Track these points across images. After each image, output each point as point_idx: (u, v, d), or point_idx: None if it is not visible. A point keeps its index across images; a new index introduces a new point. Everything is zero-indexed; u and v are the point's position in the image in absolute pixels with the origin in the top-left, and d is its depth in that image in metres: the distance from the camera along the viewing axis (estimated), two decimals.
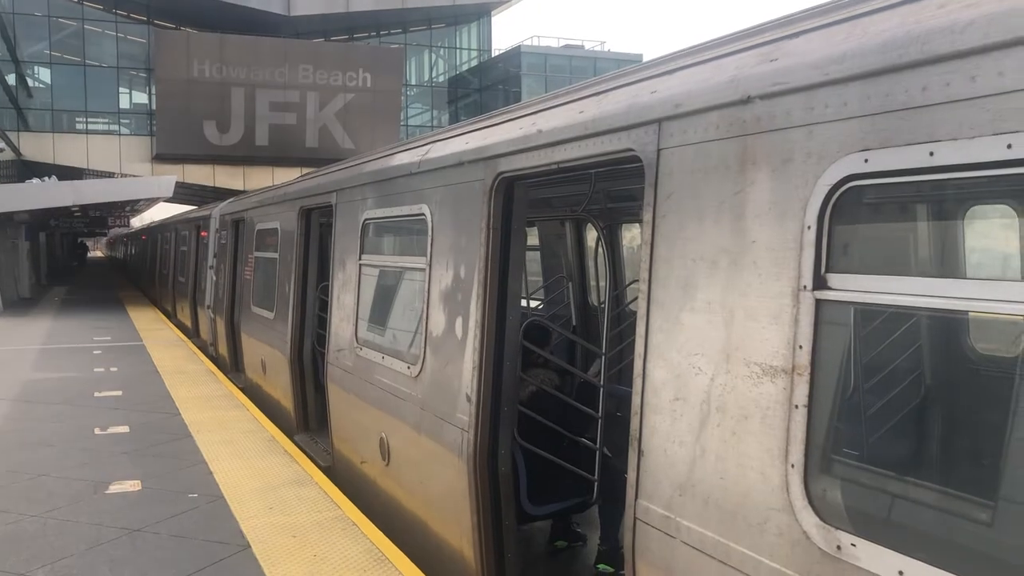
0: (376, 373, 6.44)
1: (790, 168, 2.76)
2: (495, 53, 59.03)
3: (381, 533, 5.92)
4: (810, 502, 2.65)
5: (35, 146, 44.81)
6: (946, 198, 3.77)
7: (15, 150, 41.55)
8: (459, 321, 5.10)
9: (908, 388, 3.91)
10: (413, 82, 57.30)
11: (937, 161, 2.30)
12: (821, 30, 2.82)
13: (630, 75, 3.97)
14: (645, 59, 4.54)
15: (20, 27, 45.71)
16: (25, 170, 42.62)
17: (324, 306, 8.47)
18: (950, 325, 3.93)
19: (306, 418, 9.39)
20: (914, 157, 2.36)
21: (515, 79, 57.31)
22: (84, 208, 32.79)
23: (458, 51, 58.98)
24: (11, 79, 43.78)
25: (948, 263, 4.15)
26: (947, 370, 4.00)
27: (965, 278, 2.75)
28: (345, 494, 6.85)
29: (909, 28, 2.41)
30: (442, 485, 5.30)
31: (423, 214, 5.70)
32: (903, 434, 3.69)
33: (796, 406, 2.69)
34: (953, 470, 3.52)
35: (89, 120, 48.39)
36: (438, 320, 5.38)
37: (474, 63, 58.96)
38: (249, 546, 5.69)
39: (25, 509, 6.51)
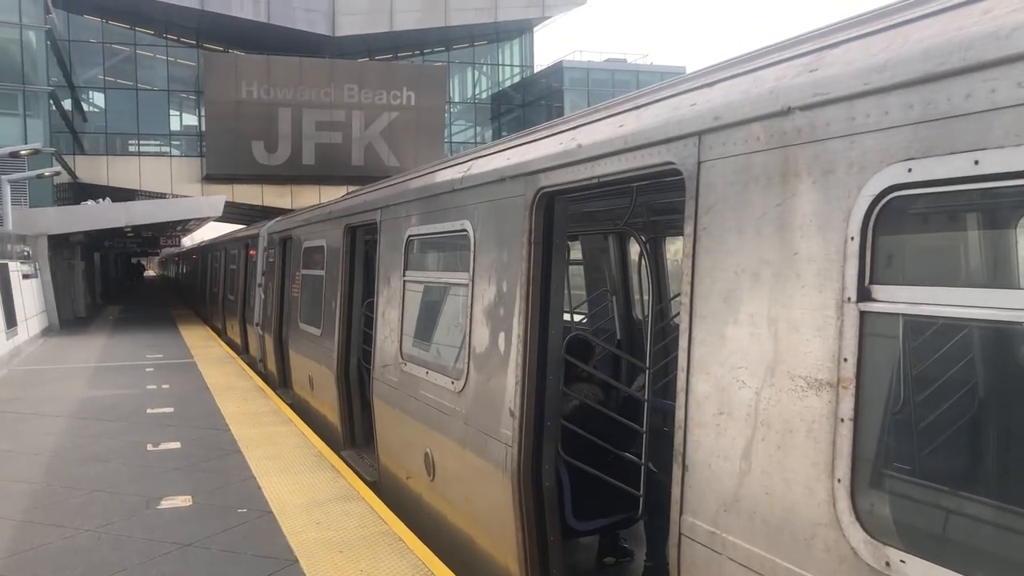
0: (421, 388, 6.48)
1: (832, 179, 2.73)
2: (537, 69, 59.23)
3: (427, 549, 5.94)
4: (857, 517, 2.60)
5: (90, 169, 46.02)
6: (992, 207, 3.70)
7: (71, 173, 42.71)
8: (502, 336, 5.11)
9: (957, 401, 3.83)
10: (456, 99, 57.76)
11: (983, 170, 2.26)
12: (861, 40, 2.80)
13: (669, 88, 3.97)
14: (688, 72, 4.53)
15: (75, 54, 47.07)
16: (80, 192, 43.78)
17: (369, 322, 8.55)
18: (999, 336, 3.83)
19: (352, 433, 9.47)
20: (959, 166, 2.32)
21: (558, 94, 57.41)
22: (136, 228, 33.56)
23: (501, 67, 59.32)
24: (67, 104, 45.06)
25: (996, 274, 4.06)
26: (997, 382, 3.91)
27: (1012, 288, 2.69)
28: (391, 509, 6.89)
29: (951, 35, 2.38)
30: (487, 500, 5.30)
31: (465, 230, 5.73)
32: (952, 448, 3.61)
33: (842, 419, 2.65)
34: (1006, 485, 3.44)
35: (141, 142, 49.61)
36: (481, 335, 5.40)
37: (517, 79, 59.23)
38: (297, 561, 5.74)
39: (80, 524, 6.65)
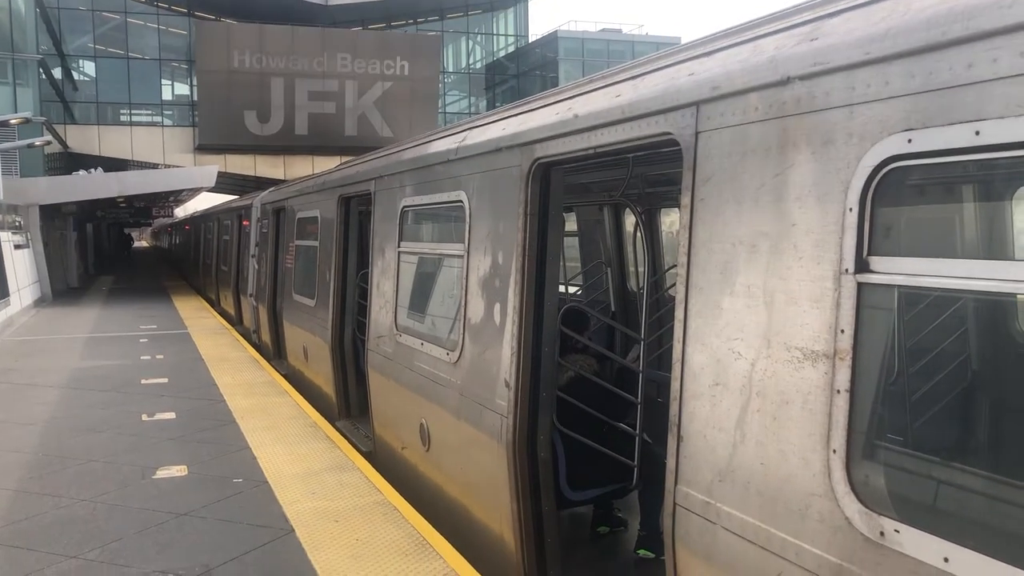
0: (416, 359, 6.48)
1: (831, 149, 2.71)
2: (532, 39, 58.84)
3: (422, 518, 5.98)
4: (852, 488, 2.62)
5: (81, 138, 45.67)
6: (993, 178, 3.69)
7: (62, 143, 42.38)
8: (497, 307, 5.11)
9: (952, 372, 3.84)
10: (451, 69, 57.34)
11: (984, 140, 2.25)
12: (861, 8, 2.77)
13: (667, 58, 3.93)
14: (683, 42, 4.50)
15: (65, 21, 46.54)
16: (72, 162, 43.47)
17: (364, 293, 8.53)
18: (996, 308, 3.84)
19: (347, 404, 9.49)
20: (960, 136, 2.31)
21: (552, 64, 57.08)
22: (129, 199, 33.41)
23: (495, 37, 58.86)
24: (57, 73, 44.61)
25: (994, 245, 4.05)
26: (993, 354, 3.92)
27: (1012, 260, 2.69)
28: (386, 479, 6.92)
29: (953, 4, 2.36)
30: (482, 471, 5.33)
31: (461, 201, 5.71)
32: (947, 419, 3.63)
33: (838, 391, 2.66)
34: (999, 456, 3.46)
35: (133, 112, 49.21)
36: (476, 306, 5.40)
37: (511, 49, 58.81)
38: (293, 530, 5.77)
39: (76, 494, 6.67)
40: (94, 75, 49.51)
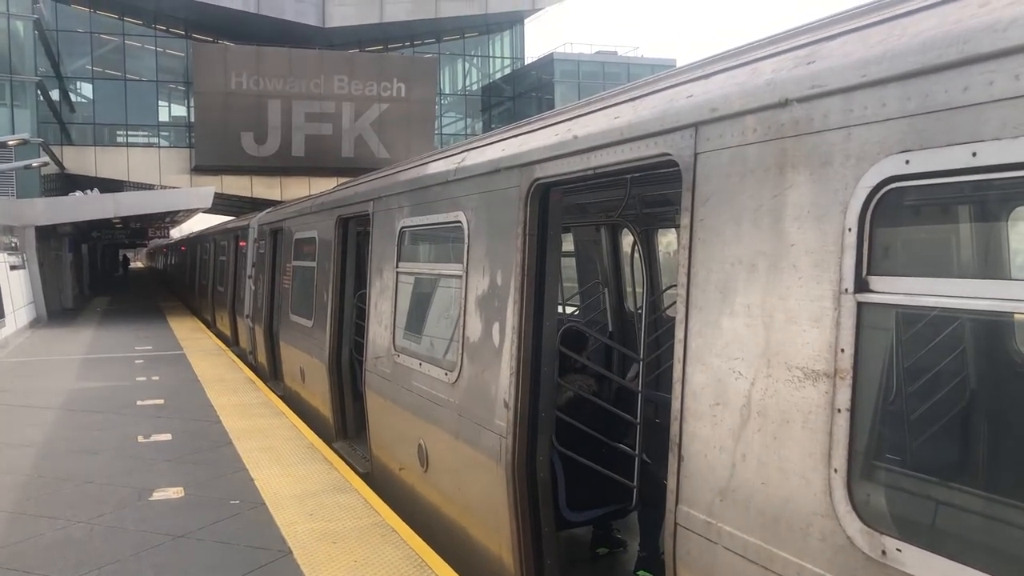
0: (414, 380, 6.47)
1: (829, 171, 2.74)
2: (528, 61, 59.15)
3: (421, 540, 5.95)
4: (854, 507, 2.62)
5: (77, 159, 45.71)
6: (990, 199, 3.72)
7: (59, 164, 42.44)
8: (496, 327, 5.12)
9: (952, 391, 3.85)
10: (447, 91, 57.60)
11: (980, 161, 2.28)
12: (858, 32, 2.80)
13: (666, 80, 3.97)
14: (679, 65, 4.55)
15: (63, 43, 46.70)
16: (68, 183, 43.50)
17: (362, 314, 8.54)
18: (994, 327, 3.86)
19: (344, 425, 9.46)
20: (956, 158, 2.34)
21: (548, 86, 57.35)
22: (125, 220, 33.42)
23: (491, 59, 59.19)
24: (55, 94, 44.73)
25: (992, 265, 4.08)
26: (992, 373, 3.93)
27: (1010, 279, 2.71)
28: (384, 501, 6.89)
29: (949, 28, 2.39)
30: (481, 491, 5.31)
31: (459, 221, 5.73)
32: (948, 438, 3.64)
33: (839, 410, 2.67)
34: (1001, 475, 3.46)
35: (129, 133, 49.27)
36: (475, 327, 5.40)
37: (507, 71, 59.12)
38: (290, 552, 5.74)
39: (73, 515, 6.63)
40: (91, 96, 49.62)
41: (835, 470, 2.67)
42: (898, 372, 2.87)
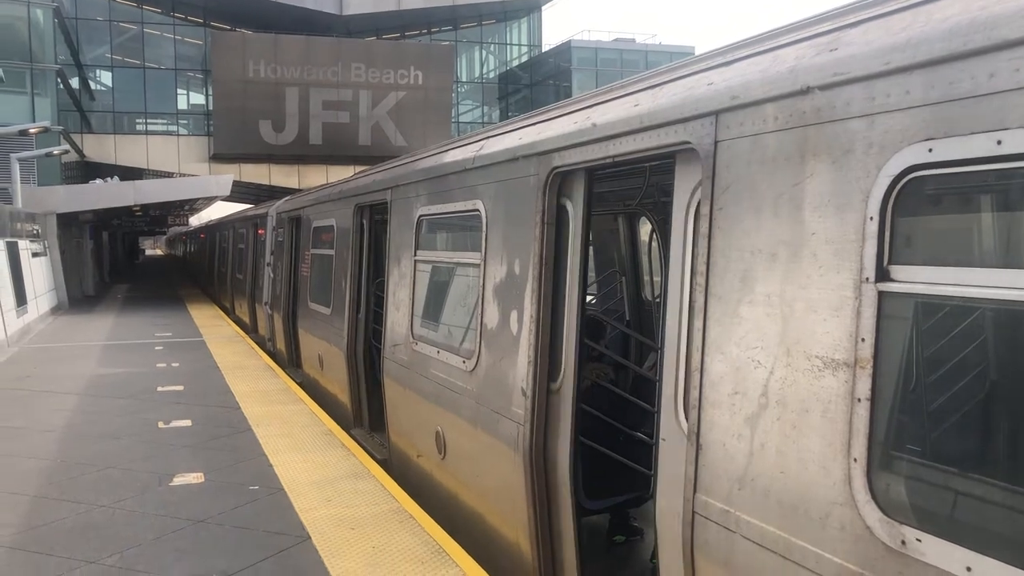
0: (432, 367, 6.50)
1: (851, 159, 2.72)
2: (545, 48, 58.92)
3: (438, 526, 5.98)
4: (873, 496, 2.61)
5: (97, 147, 46.01)
6: (1014, 188, 3.68)
7: (79, 152, 42.74)
8: (514, 315, 5.12)
9: (973, 381, 3.82)
10: (464, 79, 57.50)
11: (1005, 150, 2.25)
12: (882, 19, 2.78)
13: (686, 67, 3.94)
14: (698, 52, 4.53)
15: (83, 32, 46.94)
16: (89, 171, 43.82)
17: (380, 302, 8.57)
18: (1017, 318, 3.82)
19: (362, 412, 9.51)
20: (981, 146, 2.31)
21: (566, 74, 57.16)
22: (145, 207, 33.63)
23: (508, 47, 59.00)
24: (74, 82, 45.00)
25: (1015, 255, 4.03)
26: (1014, 363, 3.90)
27: None
28: (401, 487, 6.93)
29: (974, 15, 2.37)
30: (498, 479, 5.33)
31: (477, 210, 5.73)
32: (969, 428, 3.61)
33: (859, 399, 2.66)
34: (1022, 466, 3.44)
35: (149, 121, 49.53)
36: (493, 315, 5.41)
37: (524, 59, 58.92)
38: (309, 537, 5.79)
39: (94, 500, 6.71)
40: (111, 85, 49.90)
41: (855, 459, 2.66)
42: (918, 362, 2.86)
